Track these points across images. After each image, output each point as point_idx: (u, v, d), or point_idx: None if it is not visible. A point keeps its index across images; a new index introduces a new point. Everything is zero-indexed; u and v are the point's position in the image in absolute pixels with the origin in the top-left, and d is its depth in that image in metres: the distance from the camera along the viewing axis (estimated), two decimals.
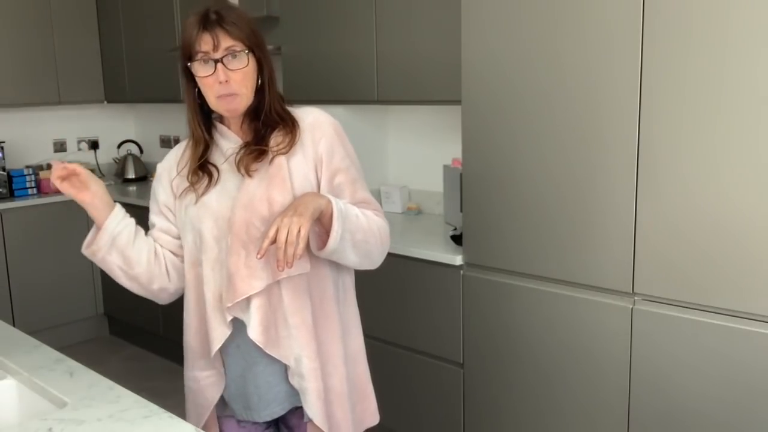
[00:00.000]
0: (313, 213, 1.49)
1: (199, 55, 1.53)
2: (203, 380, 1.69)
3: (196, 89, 1.60)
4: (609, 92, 2.08)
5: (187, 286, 1.68)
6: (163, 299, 1.75)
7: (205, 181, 1.62)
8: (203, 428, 1.71)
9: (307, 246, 1.57)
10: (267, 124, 1.62)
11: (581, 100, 2.14)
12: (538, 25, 2.21)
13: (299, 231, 1.45)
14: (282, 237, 1.44)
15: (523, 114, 2.29)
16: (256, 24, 1.61)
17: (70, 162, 1.58)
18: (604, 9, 2.05)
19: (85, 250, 1.65)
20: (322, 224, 1.56)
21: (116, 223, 1.62)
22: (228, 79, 1.53)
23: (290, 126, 1.63)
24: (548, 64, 2.20)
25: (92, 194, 1.57)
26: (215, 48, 1.52)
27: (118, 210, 1.63)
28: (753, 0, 1.79)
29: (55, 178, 1.54)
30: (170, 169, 1.70)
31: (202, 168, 1.63)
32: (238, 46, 1.54)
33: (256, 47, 1.57)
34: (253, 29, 1.57)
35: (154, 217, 1.73)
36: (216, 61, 1.52)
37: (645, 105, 2.01)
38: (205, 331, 1.66)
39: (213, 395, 1.69)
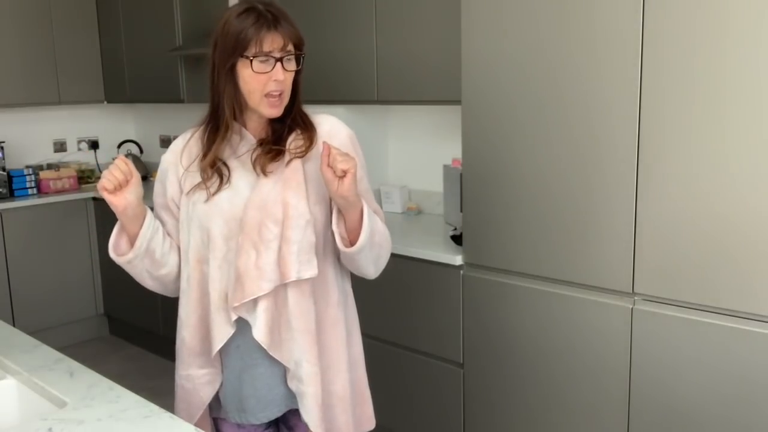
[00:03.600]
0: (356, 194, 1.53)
1: (262, 52, 1.53)
2: (199, 379, 1.68)
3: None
4: (609, 92, 2.08)
5: (189, 283, 1.67)
6: (177, 294, 1.75)
7: (216, 179, 1.61)
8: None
9: (317, 250, 1.59)
10: (291, 127, 1.62)
11: (582, 99, 2.14)
12: (537, 25, 2.20)
13: (347, 172, 1.48)
14: (336, 161, 1.48)
15: (523, 114, 2.29)
16: None
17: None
18: (605, 8, 2.05)
19: (119, 258, 1.63)
20: (346, 224, 1.58)
21: (152, 231, 1.62)
22: (283, 79, 1.55)
23: (309, 131, 1.63)
24: (548, 63, 2.20)
25: (126, 202, 1.55)
26: (282, 47, 1.53)
27: (150, 216, 1.63)
28: (753, 0, 1.79)
29: (101, 188, 1.53)
30: (176, 164, 1.68)
31: (213, 165, 1.62)
32: (296, 49, 1.56)
33: (304, 50, 1.59)
34: (300, 32, 1.59)
35: (161, 213, 1.72)
36: (277, 60, 1.53)
37: (645, 104, 2.01)
38: (206, 329, 1.65)
39: (208, 394, 1.68)
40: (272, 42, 1.52)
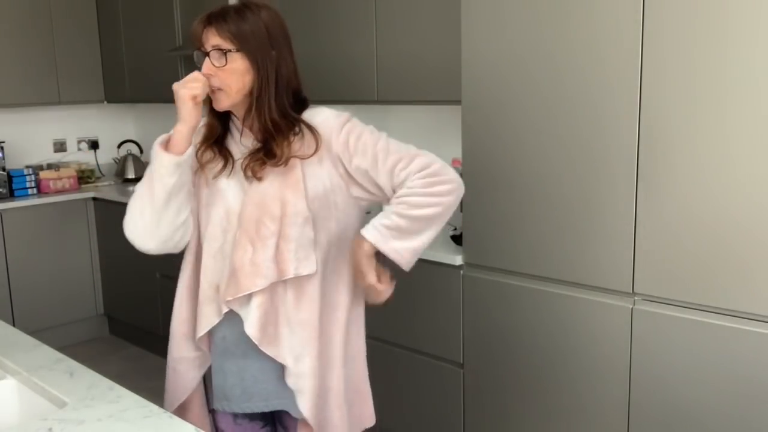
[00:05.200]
0: (366, 263, 1.62)
1: (197, 48, 1.61)
2: (188, 363, 1.72)
3: None
4: (609, 92, 2.08)
5: (183, 268, 1.70)
6: (164, 251, 1.68)
7: (220, 163, 1.64)
8: (180, 409, 1.71)
9: (316, 246, 1.59)
10: (265, 132, 1.62)
11: (581, 99, 2.14)
12: (538, 24, 2.20)
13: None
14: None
15: (523, 114, 2.29)
16: (277, 28, 1.63)
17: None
18: (605, 8, 2.05)
19: (169, 157, 1.57)
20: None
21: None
22: (212, 74, 1.58)
23: (307, 133, 1.62)
24: (548, 63, 2.20)
25: (200, 117, 1.60)
26: (205, 43, 1.59)
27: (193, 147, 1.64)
28: (755, 1, 1.79)
29: (191, 97, 1.57)
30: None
31: (220, 150, 1.66)
32: (224, 45, 1.56)
33: (247, 50, 1.57)
34: (254, 32, 1.58)
35: None
36: (205, 55, 1.59)
37: (645, 104, 2.01)
38: (195, 317, 1.68)
39: (196, 376, 1.71)
40: (204, 38, 1.58)
